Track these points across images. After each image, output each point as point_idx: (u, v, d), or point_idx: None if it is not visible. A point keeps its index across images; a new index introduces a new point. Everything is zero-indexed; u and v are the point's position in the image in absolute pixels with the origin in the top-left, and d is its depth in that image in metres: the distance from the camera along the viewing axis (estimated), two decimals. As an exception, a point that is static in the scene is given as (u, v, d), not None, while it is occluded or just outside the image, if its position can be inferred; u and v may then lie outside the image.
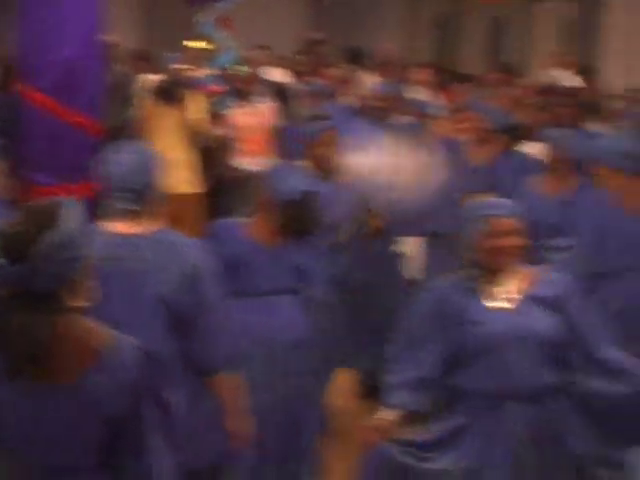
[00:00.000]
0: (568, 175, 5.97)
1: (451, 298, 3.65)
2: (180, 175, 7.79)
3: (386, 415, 3.64)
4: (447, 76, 10.28)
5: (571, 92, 8.60)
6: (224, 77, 9.16)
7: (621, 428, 4.21)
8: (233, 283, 4.36)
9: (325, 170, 5.78)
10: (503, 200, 3.76)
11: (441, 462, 3.55)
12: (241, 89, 8.44)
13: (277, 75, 10.25)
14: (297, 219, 4.52)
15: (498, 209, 3.63)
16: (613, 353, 3.65)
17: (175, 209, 7.72)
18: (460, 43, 16.89)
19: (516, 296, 3.64)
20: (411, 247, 6.08)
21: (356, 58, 10.36)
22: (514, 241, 3.62)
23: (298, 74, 9.92)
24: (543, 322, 3.59)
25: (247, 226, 4.61)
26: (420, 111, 7.78)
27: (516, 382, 3.55)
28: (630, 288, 5.03)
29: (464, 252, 3.67)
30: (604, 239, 5.08)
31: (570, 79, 11.16)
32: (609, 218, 5.12)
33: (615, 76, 11.79)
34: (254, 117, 8.28)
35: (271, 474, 4.49)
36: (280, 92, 9.22)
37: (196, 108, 8.04)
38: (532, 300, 3.62)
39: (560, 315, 3.61)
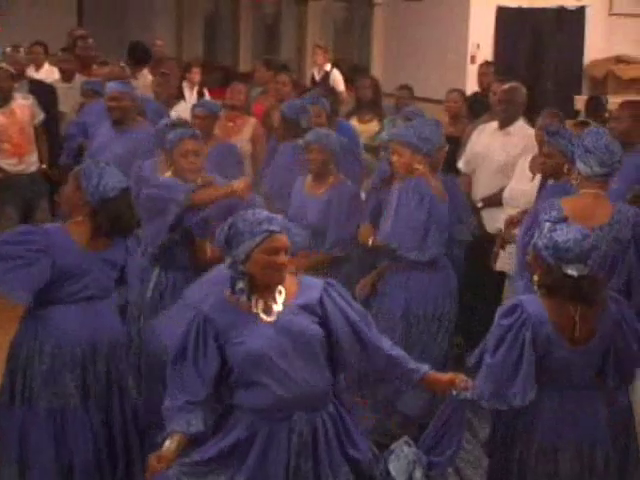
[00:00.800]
0: (327, 174, 5.95)
1: (217, 316, 3.57)
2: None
3: (167, 443, 3.54)
4: (219, 74, 10.19)
5: (329, 89, 8.67)
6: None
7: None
8: (60, 289, 4.35)
9: (188, 179, 5.39)
10: (278, 216, 3.67)
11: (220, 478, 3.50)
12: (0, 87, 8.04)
13: (47, 73, 9.90)
14: (117, 218, 4.42)
15: (276, 225, 3.57)
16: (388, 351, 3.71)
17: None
18: (234, 41, 16.86)
19: (282, 308, 3.60)
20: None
21: (136, 54, 10.05)
22: (286, 258, 3.59)
23: (66, 71, 9.59)
24: (308, 329, 3.58)
25: (67, 230, 4.46)
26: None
27: (295, 392, 3.52)
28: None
29: (234, 263, 3.55)
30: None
31: (333, 76, 11.31)
32: (432, 207, 5.36)
33: (386, 74, 12.03)
34: (12, 117, 7.92)
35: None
36: (46, 91, 8.89)
37: None
38: (297, 309, 3.60)
39: (323, 318, 3.61)
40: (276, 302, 3.58)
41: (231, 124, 7.59)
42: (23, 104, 8.04)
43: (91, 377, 4.45)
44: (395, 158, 5.44)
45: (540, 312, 3.74)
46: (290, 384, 3.50)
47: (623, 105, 6.16)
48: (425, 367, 3.72)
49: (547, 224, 3.85)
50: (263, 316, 3.56)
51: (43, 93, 8.59)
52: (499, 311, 3.85)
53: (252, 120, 7.81)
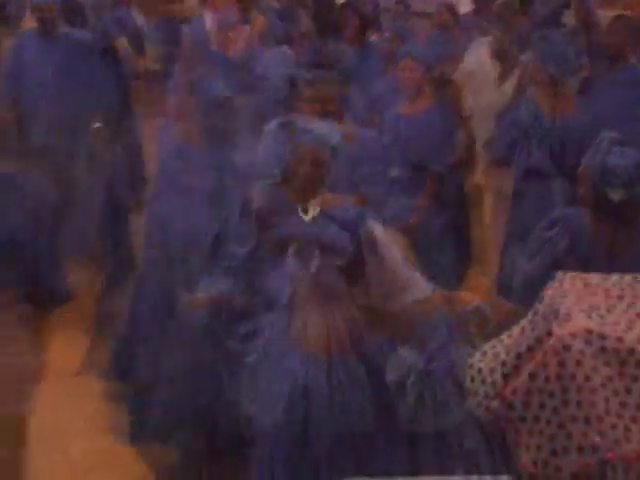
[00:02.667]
0: None
1: (261, 201, 3.80)
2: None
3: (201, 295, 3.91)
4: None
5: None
6: None
7: None
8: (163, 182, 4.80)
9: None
10: (327, 128, 3.80)
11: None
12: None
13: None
14: (221, 121, 4.73)
15: (321, 139, 3.72)
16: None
17: None
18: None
19: (318, 212, 3.72)
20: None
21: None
22: (323, 171, 3.77)
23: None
24: (337, 237, 3.63)
25: (172, 128, 4.88)
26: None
27: (310, 286, 3.63)
28: None
29: (277, 166, 3.75)
30: None
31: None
32: None
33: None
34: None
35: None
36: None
37: None
38: (331, 217, 3.69)
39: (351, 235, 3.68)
40: (314, 206, 3.74)
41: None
42: None
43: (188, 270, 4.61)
44: (406, 74, 5.35)
45: (581, 222, 3.87)
46: (307, 278, 3.61)
47: (618, 18, 6.21)
48: (430, 287, 3.70)
49: (604, 142, 3.86)
50: (301, 213, 3.73)
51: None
52: (541, 223, 3.97)
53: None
